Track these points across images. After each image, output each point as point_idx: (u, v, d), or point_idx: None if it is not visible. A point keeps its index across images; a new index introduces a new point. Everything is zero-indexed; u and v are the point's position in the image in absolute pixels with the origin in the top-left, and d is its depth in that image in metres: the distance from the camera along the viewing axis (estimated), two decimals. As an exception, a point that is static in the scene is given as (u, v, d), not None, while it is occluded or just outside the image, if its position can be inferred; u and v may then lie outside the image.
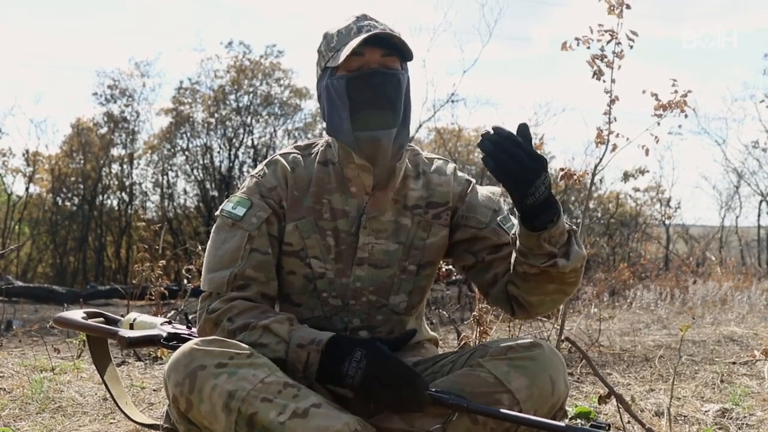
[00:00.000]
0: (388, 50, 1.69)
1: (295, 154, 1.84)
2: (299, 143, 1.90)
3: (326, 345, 1.58)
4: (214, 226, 1.79)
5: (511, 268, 1.70)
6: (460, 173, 1.88)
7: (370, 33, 1.66)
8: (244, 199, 1.75)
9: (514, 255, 1.66)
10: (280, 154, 1.84)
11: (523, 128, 1.49)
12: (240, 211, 1.72)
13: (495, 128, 1.46)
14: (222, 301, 1.68)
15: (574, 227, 1.65)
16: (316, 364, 1.57)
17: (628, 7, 3.13)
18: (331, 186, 1.78)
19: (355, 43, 1.65)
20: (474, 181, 1.90)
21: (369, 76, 1.67)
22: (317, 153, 1.84)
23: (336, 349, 1.58)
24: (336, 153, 1.78)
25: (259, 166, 1.83)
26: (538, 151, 1.49)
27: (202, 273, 1.76)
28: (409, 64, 1.77)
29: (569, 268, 1.61)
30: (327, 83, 1.73)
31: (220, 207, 1.79)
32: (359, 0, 27.51)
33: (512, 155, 1.45)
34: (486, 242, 1.78)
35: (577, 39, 3.16)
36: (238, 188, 1.84)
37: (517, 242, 1.62)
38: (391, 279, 1.79)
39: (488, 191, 1.85)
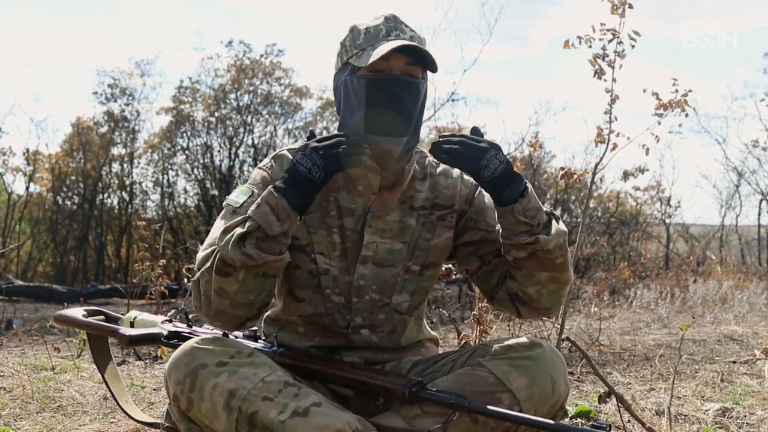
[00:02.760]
0: (413, 59, 1.69)
1: None
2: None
3: (275, 186, 1.61)
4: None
5: (505, 260, 1.73)
6: (466, 176, 1.88)
7: (401, 44, 1.65)
8: (246, 189, 1.76)
9: (503, 246, 1.71)
10: (288, 150, 1.83)
11: (475, 129, 1.67)
12: (241, 199, 1.73)
13: (441, 136, 1.65)
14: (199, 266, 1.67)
15: (555, 213, 1.71)
16: (277, 199, 1.58)
17: (630, 6, 3.13)
18: (339, 184, 1.78)
19: (384, 50, 1.64)
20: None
21: (390, 82, 1.67)
22: None
23: (287, 173, 1.62)
24: None
25: (266, 160, 1.83)
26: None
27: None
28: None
29: (552, 243, 1.65)
30: (347, 80, 1.72)
31: (226, 196, 1.80)
32: (359, 0, 27.52)
33: (456, 143, 1.64)
34: (494, 245, 1.79)
35: (579, 37, 3.16)
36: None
37: (501, 230, 1.68)
38: (394, 278, 1.79)
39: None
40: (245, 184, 1.79)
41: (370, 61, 1.65)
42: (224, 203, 1.78)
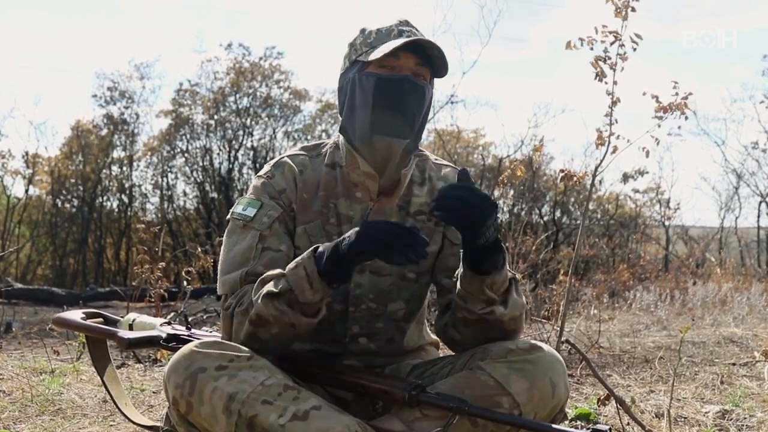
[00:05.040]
0: (423, 60, 1.68)
1: (303, 156, 1.82)
2: (306, 144, 1.87)
3: (315, 249, 1.53)
4: (226, 230, 1.77)
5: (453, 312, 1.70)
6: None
7: (414, 38, 1.65)
8: (254, 200, 1.73)
9: (455, 300, 1.67)
10: (288, 156, 1.82)
11: (463, 174, 1.51)
12: (250, 212, 1.71)
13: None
14: (234, 296, 1.67)
15: (517, 275, 1.67)
16: (314, 267, 1.51)
17: (633, 9, 3.13)
18: (338, 190, 1.77)
19: (397, 43, 1.64)
20: None
21: (400, 81, 1.66)
22: (325, 155, 1.82)
23: (333, 244, 1.51)
24: (343, 156, 1.77)
25: (266, 168, 1.81)
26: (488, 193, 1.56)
27: (218, 276, 1.74)
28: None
29: (507, 316, 1.63)
30: (354, 77, 1.70)
31: (231, 210, 1.78)
32: (359, 1, 27.53)
33: (461, 198, 1.46)
34: (450, 261, 1.78)
35: (581, 39, 3.16)
36: (245, 190, 1.83)
37: (458, 286, 1.63)
38: (390, 287, 1.78)
39: None
40: (250, 195, 1.76)
41: (380, 54, 1.64)
42: (231, 216, 1.75)
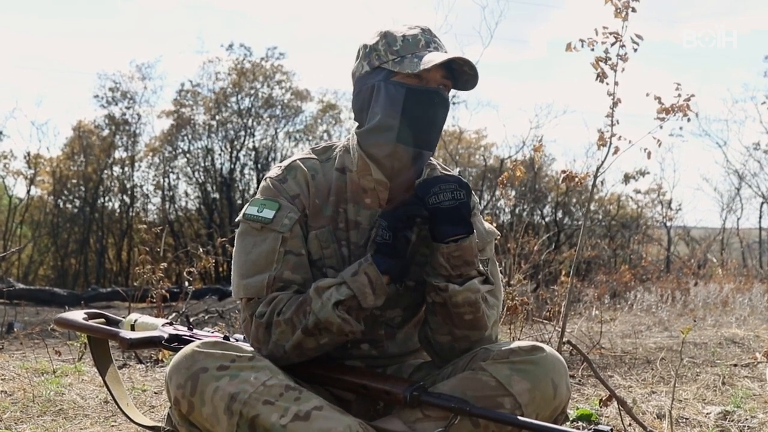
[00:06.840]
0: (448, 73, 1.68)
1: (314, 160, 1.80)
2: (315, 146, 1.86)
3: (369, 256, 1.62)
4: (237, 233, 1.74)
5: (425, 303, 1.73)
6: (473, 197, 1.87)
7: (455, 56, 1.63)
8: (271, 201, 1.71)
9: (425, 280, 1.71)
10: (299, 159, 1.79)
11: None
12: (269, 214, 1.69)
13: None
14: (266, 303, 1.65)
15: (490, 277, 1.72)
16: (377, 270, 1.59)
17: (633, 10, 3.13)
18: (347, 195, 1.76)
19: (439, 58, 1.62)
20: (479, 209, 1.88)
21: (431, 93, 1.65)
22: (335, 159, 1.80)
23: (381, 248, 1.62)
24: (355, 161, 1.75)
25: (277, 170, 1.78)
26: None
27: (234, 280, 1.71)
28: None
29: (460, 296, 1.64)
30: (380, 85, 1.67)
31: (242, 212, 1.74)
32: (358, 2, 27.53)
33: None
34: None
35: (581, 40, 3.16)
36: (247, 191, 1.81)
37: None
38: (390, 293, 1.76)
39: (484, 227, 1.84)
40: (264, 197, 1.73)
41: (421, 68, 1.62)
42: (243, 218, 1.72)
